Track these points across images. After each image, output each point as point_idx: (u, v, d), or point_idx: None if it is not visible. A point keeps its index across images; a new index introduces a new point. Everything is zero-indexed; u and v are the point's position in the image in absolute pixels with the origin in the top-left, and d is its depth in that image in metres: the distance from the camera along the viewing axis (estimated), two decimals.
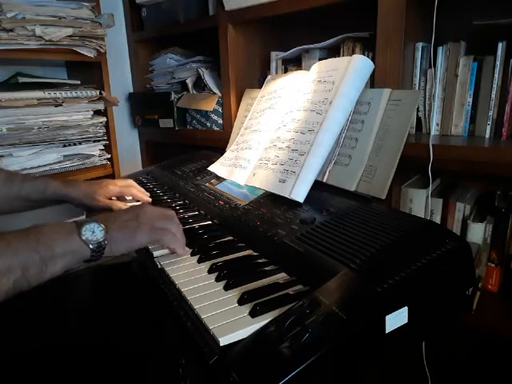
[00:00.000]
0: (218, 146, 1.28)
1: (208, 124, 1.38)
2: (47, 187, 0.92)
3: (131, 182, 1.05)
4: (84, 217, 1.13)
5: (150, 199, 1.02)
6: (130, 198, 1.03)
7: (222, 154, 1.15)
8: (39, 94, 1.24)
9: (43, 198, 0.93)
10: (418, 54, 0.94)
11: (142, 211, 0.69)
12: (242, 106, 1.25)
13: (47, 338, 0.75)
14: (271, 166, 0.92)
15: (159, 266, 0.70)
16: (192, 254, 0.73)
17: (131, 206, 0.76)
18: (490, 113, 0.87)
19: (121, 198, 1.01)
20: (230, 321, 0.52)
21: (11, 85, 1.28)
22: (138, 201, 1.01)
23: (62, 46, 1.24)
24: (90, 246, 0.60)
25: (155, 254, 0.73)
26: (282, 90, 1.07)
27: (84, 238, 0.60)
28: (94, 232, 0.61)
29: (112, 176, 1.46)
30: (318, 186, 0.84)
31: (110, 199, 0.98)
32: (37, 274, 0.56)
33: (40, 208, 0.97)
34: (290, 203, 0.81)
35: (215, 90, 1.34)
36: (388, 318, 0.50)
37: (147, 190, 1.14)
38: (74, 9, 1.25)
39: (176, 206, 0.99)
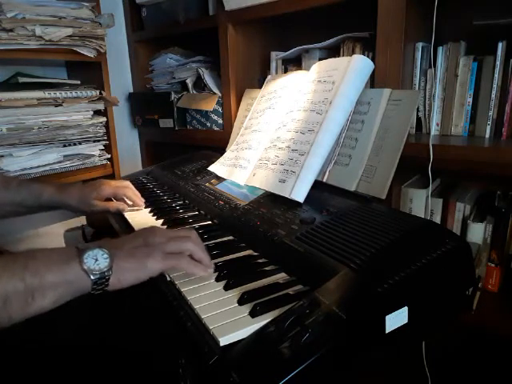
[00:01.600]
0: (218, 146, 1.28)
1: (208, 124, 1.38)
2: (42, 194, 0.90)
3: (127, 183, 1.03)
4: (85, 219, 1.12)
5: (143, 204, 0.99)
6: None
7: (221, 154, 1.15)
8: (39, 94, 1.24)
9: (38, 205, 0.91)
10: (418, 54, 0.94)
11: (152, 235, 0.60)
12: (242, 106, 1.25)
13: (46, 338, 0.75)
14: (271, 165, 0.92)
15: None
16: None
17: (139, 230, 0.65)
18: (490, 113, 0.87)
19: (118, 200, 0.99)
20: (229, 321, 0.52)
21: (11, 85, 1.28)
22: (133, 204, 0.99)
23: (62, 46, 1.24)
24: (92, 277, 0.51)
25: None
26: (282, 89, 1.07)
27: (85, 266, 0.51)
28: (97, 260, 0.52)
29: (112, 176, 1.46)
30: (318, 185, 0.84)
31: (109, 199, 0.98)
32: (20, 308, 0.48)
33: (35, 213, 0.96)
34: (290, 203, 0.81)
35: (215, 90, 1.34)
36: (388, 318, 0.50)
37: (147, 189, 1.14)
38: (74, 9, 1.25)
39: (176, 206, 0.99)
